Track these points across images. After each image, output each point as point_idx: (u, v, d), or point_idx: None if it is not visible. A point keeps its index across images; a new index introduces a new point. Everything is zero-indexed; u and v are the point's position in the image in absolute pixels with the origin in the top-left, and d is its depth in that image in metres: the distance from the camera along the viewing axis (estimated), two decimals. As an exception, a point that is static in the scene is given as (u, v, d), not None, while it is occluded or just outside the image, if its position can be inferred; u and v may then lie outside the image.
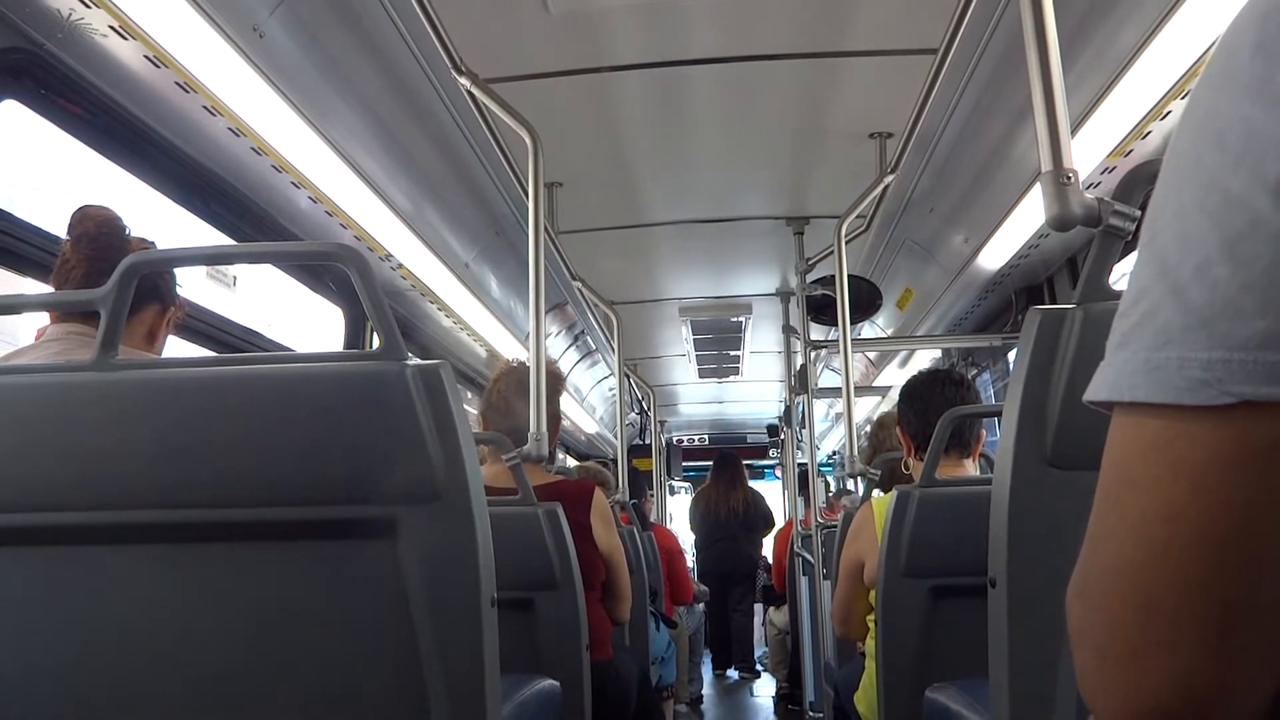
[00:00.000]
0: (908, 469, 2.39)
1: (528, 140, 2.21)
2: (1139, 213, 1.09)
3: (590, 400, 7.03)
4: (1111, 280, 1.12)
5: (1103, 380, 0.41)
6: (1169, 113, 2.16)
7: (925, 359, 5.22)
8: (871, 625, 2.22)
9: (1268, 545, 0.36)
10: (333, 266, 2.48)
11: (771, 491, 8.46)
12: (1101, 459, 0.42)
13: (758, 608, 7.00)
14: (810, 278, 3.78)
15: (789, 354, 4.73)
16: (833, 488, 8.41)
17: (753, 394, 7.61)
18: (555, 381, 2.37)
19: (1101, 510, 0.42)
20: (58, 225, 1.83)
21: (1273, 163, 0.35)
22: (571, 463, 7.26)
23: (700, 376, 6.58)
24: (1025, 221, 3.01)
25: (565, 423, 6.46)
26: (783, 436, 6.70)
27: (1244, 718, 0.38)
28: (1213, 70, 0.40)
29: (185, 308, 1.82)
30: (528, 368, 2.22)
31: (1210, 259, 0.37)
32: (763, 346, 5.85)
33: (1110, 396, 0.41)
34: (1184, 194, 0.39)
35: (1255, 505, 0.36)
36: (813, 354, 3.92)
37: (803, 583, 4.49)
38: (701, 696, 6.17)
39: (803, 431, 4.41)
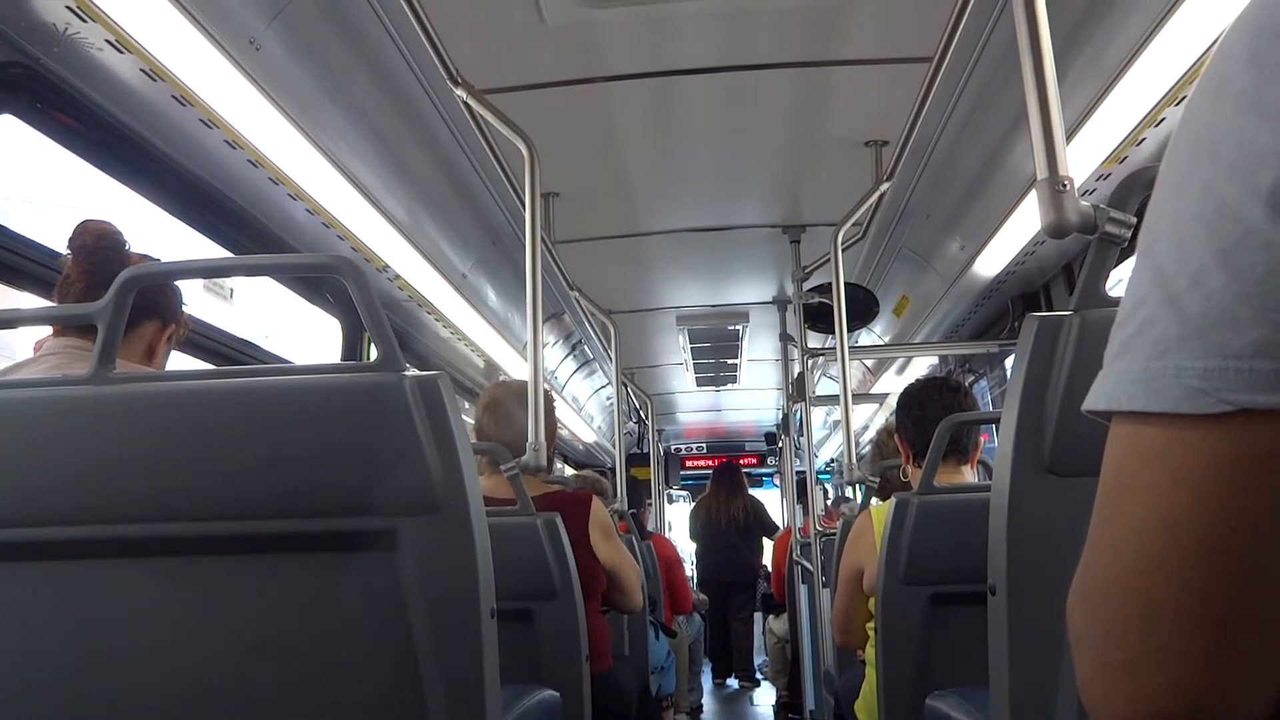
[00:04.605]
0: (906, 476, 2.39)
1: (524, 150, 2.21)
2: (1134, 219, 1.10)
3: (588, 409, 7.03)
4: (1108, 286, 1.13)
5: (1101, 390, 0.41)
6: (1163, 119, 2.17)
7: (922, 366, 5.23)
8: (871, 633, 2.22)
9: (1267, 552, 0.37)
10: (330, 278, 2.48)
11: (770, 499, 8.45)
12: (1100, 465, 0.42)
13: (757, 616, 6.99)
14: (807, 286, 3.79)
15: (786, 362, 4.73)
16: (831, 495, 8.41)
17: (750, 402, 7.61)
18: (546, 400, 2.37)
19: (1101, 518, 0.42)
20: (55, 239, 1.83)
21: (1266, 173, 0.36)
22: (569, 472, 7.26)
23: (698, 385, 6.58)
24: (1021, 228, 3.01)
25: (563, 432, 6.46)
26: (781, 444, 6.70)
27: None
28: (1206, 81, 0.40)
29: (190, 325, 1.81)
30: (522, 381, 2.23)
31: (1205, 269, 0.37)
32: (760, 355, 5.85)
33: (1109, 406, 0.41)
34: (1179, 204, 0.39)
35: (1254, 513, 0.37)
36: (810, 362, 3.92)
37: (802, 591, 4.49)
38: (701, 706, 6.16)
39: (800, 439, 4.41)
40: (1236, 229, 0.36)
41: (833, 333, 3.13)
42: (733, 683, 6.96)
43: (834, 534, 3.15)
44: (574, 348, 5.60)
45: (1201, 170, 0.39)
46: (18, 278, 1.93)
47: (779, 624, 5.71)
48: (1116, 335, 0.41)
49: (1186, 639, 0.38)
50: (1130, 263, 0.43)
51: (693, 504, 7.46)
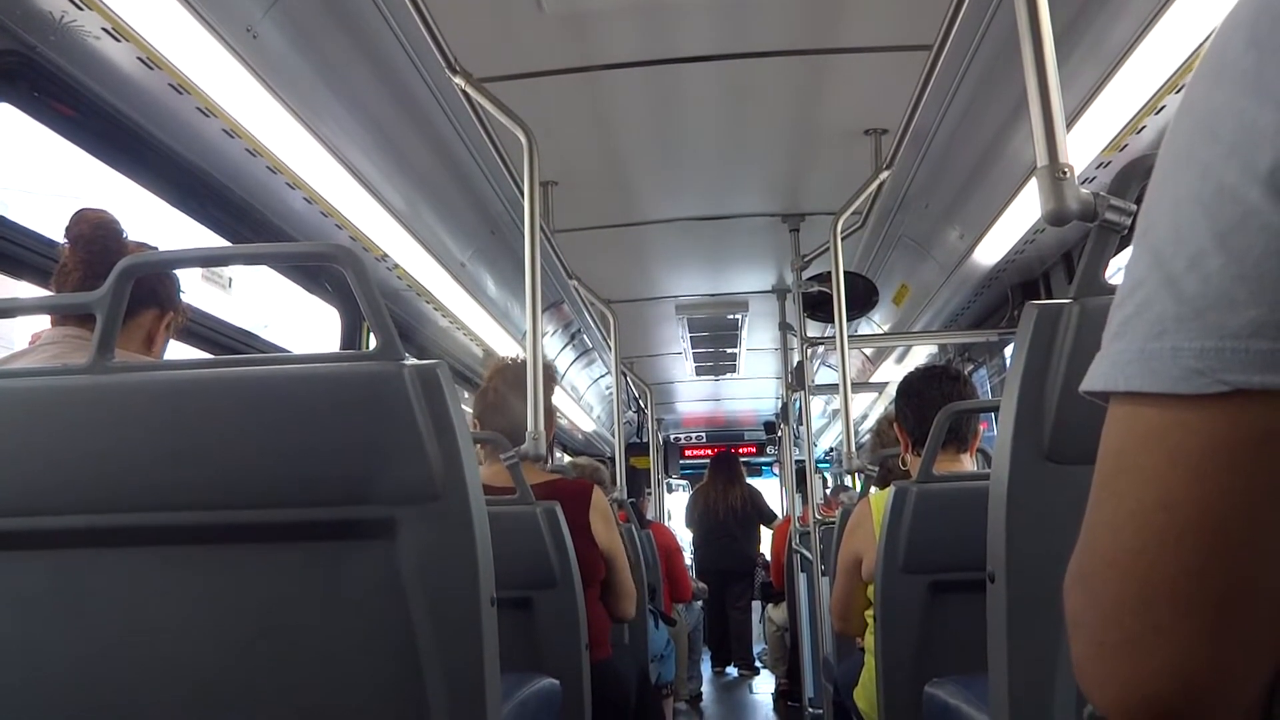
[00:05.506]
0: (905, 465, 2.40)
1: (523, 139, 2.20)
2: (1134, 207, 1.10)
3: (587, 399, 7.03)
4: (1108, 274, 1.13)
5: (1099, 371, 0.41)
6: (1164, 107, 2.17)
7: (922, 355, 5.23)
8: (870, 621, 2.23)
9: (1263, 533, 0.37)
10: (329, 267, 2.48)
11: (769, 488, 8.46)
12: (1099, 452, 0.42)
13: (756, 605, 7.00)
14: (806, 274, 3.78)
15: (786, 351, 4.73)
16: (830, 484, 8.42)
17: (750, 391, 7.62)
18: (546, 376, 2.37)
19: (1098, 499, 0.42)
20: (53, 229, 1.83)
21: (1265, 155, 0.36)
22: (566, 459, 7.27)
23: (697, 374, 6.58)
24: (1021, 217, 3.01)
25: (562, 421, 6.46)
26: (780, 433, 6.70)
27: (1240, 705, 0.39)
28: (1207, 64, 0.40)
29: (188, 313, 1.81)
30: (520, 364, 2.22)
31: (1203, 250, 0.37)
32: (759, 344, 5.85)
33: (1106, 386, 0.41)
34: (1178, 186, 0.39)
35: (1250, 493, 0.37)
36: (809, 351, 3.92)
37: (801, 579, 4.50)
38: (701, 694, 6.18)
39: (800, 428, 4.42)
40: (1235, 211, 0.36)
41: (832, 321, 3.13)
42: (732, 671, 6.99)
43: (833, 523, 3.15)
44: (573, 337, 5.60)
45: (1201, 152, 0.38)
46: (16, 267, 1.92)
47: (778, 612, 5.73)
48: (1114, 316, 0.41)
49: (1183, 619, 0.38)
50: (1130, 251, 0.43)
51: (690, 493, 7.47)
